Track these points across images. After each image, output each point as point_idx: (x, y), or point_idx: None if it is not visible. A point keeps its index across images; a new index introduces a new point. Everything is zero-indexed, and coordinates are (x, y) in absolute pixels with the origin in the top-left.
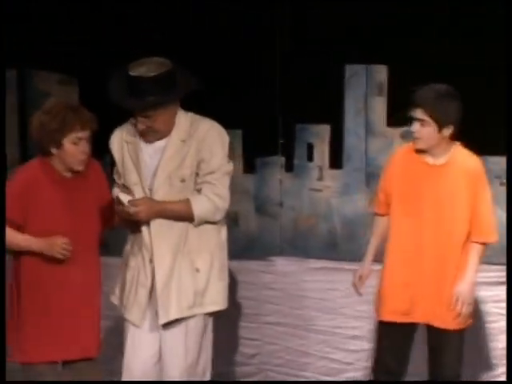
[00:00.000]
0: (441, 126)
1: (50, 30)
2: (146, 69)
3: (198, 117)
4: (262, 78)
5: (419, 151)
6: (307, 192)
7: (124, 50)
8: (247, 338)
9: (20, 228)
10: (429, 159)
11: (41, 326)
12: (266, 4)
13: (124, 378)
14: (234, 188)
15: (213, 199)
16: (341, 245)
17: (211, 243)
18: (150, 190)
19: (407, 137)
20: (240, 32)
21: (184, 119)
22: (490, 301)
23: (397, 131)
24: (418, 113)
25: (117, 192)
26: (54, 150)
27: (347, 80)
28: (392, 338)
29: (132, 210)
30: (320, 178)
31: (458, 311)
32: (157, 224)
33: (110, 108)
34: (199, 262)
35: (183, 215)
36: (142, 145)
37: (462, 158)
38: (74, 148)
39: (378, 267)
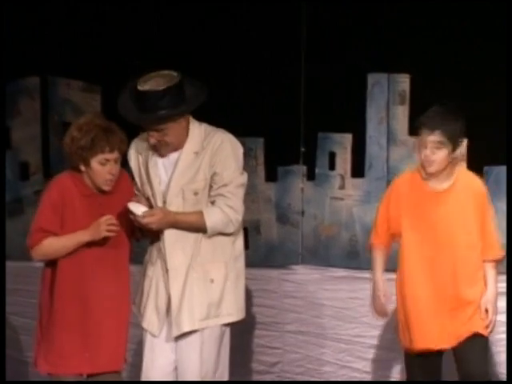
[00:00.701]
0: (455, 146)
1: (73, 37)
2: (154, 83)
3: (211, 128)
4: (285, 86)
5: (424, 177)
6: (329, 200)
7: (146, 56)
8: (268, 346)
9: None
10: (434, 185)
11: (70, 338)
12: (290, 15)
13: None
14: (255, 196)
15: (226, 211)
16: (362, 253)
17: (226, 254)
18: (164, 202)
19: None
20: (264, 40)
21: (198, 131)
22: None
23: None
24: (436, 136)
25: (130, 203)
26: (82, 167)
27: (369, 89)
28: (426, 368)
29: (145, 220)
30: (342, 187)
31: (487, 320)
32: (171, 234)
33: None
34: (213, 272)
35: (196, 226)
36: (156, 157)
37: (466, 180)
38: (101, 168)
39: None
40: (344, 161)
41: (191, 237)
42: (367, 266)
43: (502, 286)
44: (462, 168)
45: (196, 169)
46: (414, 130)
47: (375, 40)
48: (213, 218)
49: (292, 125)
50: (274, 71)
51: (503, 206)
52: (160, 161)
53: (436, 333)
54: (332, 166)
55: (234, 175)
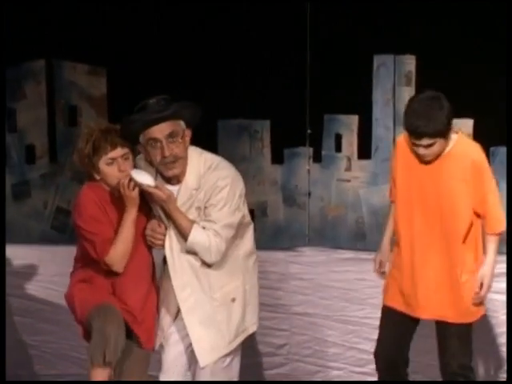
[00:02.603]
0: (447, 135)
1: (78, 20)
2: (149, 99)
3: (210, 161)
4: (291, 68)
5: None
6: (335, 182)
7: (152, 40)
8: (276, 328)
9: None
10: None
11: None
12: None
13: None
14: (261, 178)
15: (211, 242)
16: (369, 235)
17: (239, 264)
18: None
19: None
20: (270, 23)
21: (197, 163)
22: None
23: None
24: (424, 140)
25: (133, 170)
26: (96, 176)
27: (375, 70)
28: (393, 325)
29: (155, 191)
30: (348, 169)
31: (480, 295)
32: (176, 270)
33: (137, 99)
34: (234, 292)
35: (180, 230)
36: (160, 181)
37: (463, 147)
38: (110, 169)
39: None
40: (350, 143)
41: (196, 263)
42: (374, 247)
43: (502, 266)
44: (460, 136)
45: (191, 203)
46: None
47: (381, 21)
48: (198, 237)
49: (298, 107)
50: (280, 53)
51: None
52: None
53: (411, 298)
54: (338, 148)
55: (223, 216)
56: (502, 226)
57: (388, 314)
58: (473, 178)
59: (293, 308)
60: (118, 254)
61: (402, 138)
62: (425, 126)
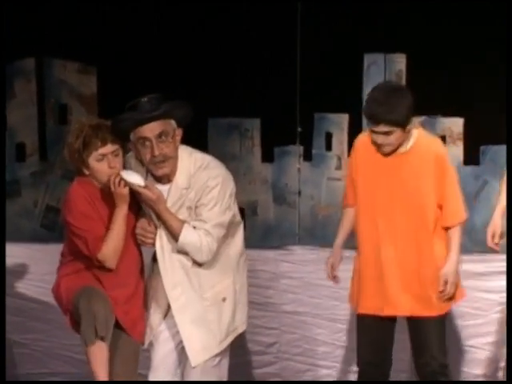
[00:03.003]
0: (404, 127)
1: (69, 18)
2: (141, 98)
3: (201, 161)
4: (281, 67)
5: None
6: (325, 181)
7: (143, 38)
8: (265, 327)
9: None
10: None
11: None
12: None
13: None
14: (252, 177)
15: (202, 241)
16: None
17: (231, 262)
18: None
19: (425, 125)
20: (260, 21)
21: (187, 163)
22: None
23: (415, 120)
24: (380, 127)
25: (122, 171)
26: (85, 171)
27: (366, 69)
28: (368, 332)
29: (144, 191)
30: (338, 167)
31: (445, 292)
32: (167, 268)
33: (128, 98)
34: (224, 291)
35: (170, 231)
36: (151, 180)
37: (425, 142)
38: (100, 165)
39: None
40: (341, 141)
41: (187, 263)
42: None
43: (502, 265)
44: (420, 131)
45: (181, 203)
46: None
47: (371, 20)
48: (189, 237)
49: (288, 105)
50: (270, 51)
51: (497, 185)
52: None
53: (378, 299)
54: (329, 147)
55: (214, 215)
56: (460, 218)
57: (362, 320)
58: (436, 172)
59: (283, 307)
60: (110, 250)
61: (361, 138)
62: (382, 112)
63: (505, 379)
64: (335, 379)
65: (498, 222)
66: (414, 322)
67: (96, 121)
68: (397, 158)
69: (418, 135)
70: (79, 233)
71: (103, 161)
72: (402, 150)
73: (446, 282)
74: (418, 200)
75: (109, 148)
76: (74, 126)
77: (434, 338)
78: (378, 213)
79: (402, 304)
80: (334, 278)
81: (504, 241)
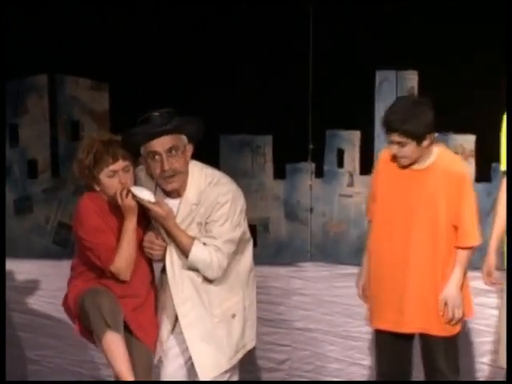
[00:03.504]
0: (419, 141)
1: (81, 35)
2: (153, 112)
3: (211, 177)
4: (293, 83)
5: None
6: (337, 198)
7: (155, 55)
8: (277, 343)
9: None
10: (412, 164)
11: None
12: (298, 13)
13: None
14: (264, 194)
15: (212, 258)
16: None
17: (240, 279)
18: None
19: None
20: (272, 38)
21: (197, 179)
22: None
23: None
24: (394, 136)
25: (133, 187)
26: (96, 187)
27: (378, 86)
28: (385, 347)
29: (154, 208)
30: (350, 184)
31: (447, 316)
32: (177, 284)
33: (140, 114)
34: (234, 308)
35: (181, 248)
36: (160, 195)
37: (445, 161)
38: (111, 181)
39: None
40: (352, 158)
41: (197, 279)
42: None
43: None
44: (442, 148)
45: (192, 219)
46: None
47: (383, 37)
48: (199, 253)
49: (300, 122)
50: (282, 69)
51: None
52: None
53: (396, 314)
54: (340, 163)
55: (224, 231)
56: (472, 241)
57: (380, 336)
58: (454, 192)
59: (294, 323)
60: (123, 261)
61: (384, 153)
62: (396, 120)
63: (505, 379)
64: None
65: (492, 260)
66: (424, 340)
67: (107, 136)
68: (416, 174)
69: (440, 153)
70: (92, 246)
71: (114, 177)
72: (421, 166)
73: (445, 305)
74: (434, 219)
75: (120, 164)
76: (85, 142)
77: (444, 356)
78: (395, 229)
79: (415, 321)
80: (367, 298)
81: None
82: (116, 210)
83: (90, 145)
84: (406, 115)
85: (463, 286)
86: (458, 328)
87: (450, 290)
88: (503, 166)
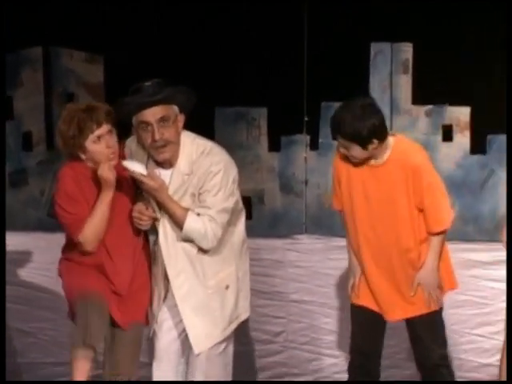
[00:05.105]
0: (363, 145)
1: (76, 7)
2: (144, 82)
3: (203, 147)
4: (288, 56)
5: None
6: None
7: (150, 27)
8: (272, 315)
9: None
10: (371, 160)
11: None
12: None
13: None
14: (259, 166)
15: (207, 228)
16: None
17: (234, 250)
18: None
19: (432, 114)
20: (266, 10)
21: (189, 149)
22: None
23: (422, 109)
24: (339, 138)
25: (124, 161)
26: (82, 155)
27: (372, 58)
28: (360, 322)
29: (146, 180)
30: None
31: (421, 297)
32: (171, 256)
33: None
34: (227, 279)
35: (175, 219)
36: (152, 165)
37: (401, 153)
38: (98, 146)
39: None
40: None
41: (191, 251)
42: None
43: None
44: (398, 140)
45: (185, 189)
46: (417, 100)
47: (378, 9)
48: (193, 224)
49: (295, 94)
50: (277, 41)
51: (504, 175)
52: (156, 171)
53: (385, 307)
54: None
55: (218, 201)
56: (441, 227)
57: (354, 310)
58: (413, 183)
59: (290, 295)
60: (90, 233)
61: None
62: (340, 124)
63: (505, 379)
64: (342, 368)
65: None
66: (409, 322)
67: (85, 104)
68: (373, 170)
69: (395, 145)
70: (63, 214)
71: (100, 142)
72: (379, 161)
73: (418, 285)
74: (394, 210)
75: (104, 128)
76: (64, 113)
77: (429, 331)
78: (357, 222)
79: (394, 311)
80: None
81: None
82: (97, 181)
83: (71, 115)
84: (348, 120)
85: (442, 261)
86: (438, 304)
87: (424, 271)
88: None
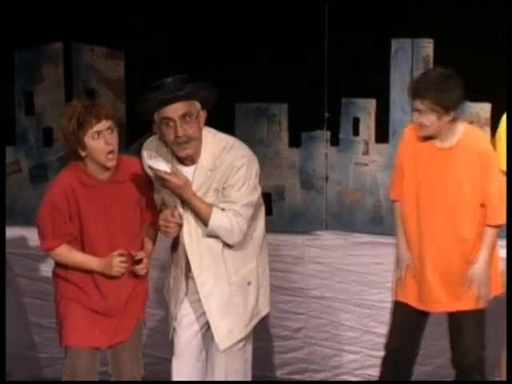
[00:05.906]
0: (441, 114)
1: (97, 2)
2: (166, 78)
3: (225, 142)
4: (309, 52)
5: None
6: (353, 166)
7: (171, 23)
8: (293, 312)
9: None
10: (437, 142)
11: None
12: None
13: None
14: (279, 162)
15: (232, 223)
16: (386, 219)
17: (255, 247)
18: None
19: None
20: (288, 7)
21: (211, 145)
22: None
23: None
24: (417, 104)
25: (149, 160)
26: (81, 152)
27: (393, 54)
28: (402, 319)
29: (171, 178)
30: (366, 152)
31: (473, 293)
32: (194, 254)
33: (155, 82)
34: (249, 275)
35: (200, 216)
36: (176, 164)
37: (471, 139)
38: (96, 143)
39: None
40: (368, 126)
41: (215, 247)
42: (391, 231)
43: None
44: (468, 127)
45: (208, 185)
46: None
47: (399, 5)
48: (218, 220)
49: (316, 90)
50: (298, 37)
51: None
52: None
53: (421, 292)
54: (356, 132)
55: (242, 195)
56: (500, 219)
57: (397, 307)
58: (479, 170)
59: (310, 292)
60: (60, 259)
61: (408, 131)
62: (420, 85)
63: (505, 379)
64: (362, 365)
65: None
66: (452, 317)
67: (89, 101)
68: (441, 154)
69: (466, 131)
70: (40, 222)
71: (99, 138)
72: (446, 145)
73: (471, 282)
74: (458, 197)
75: (104, 124)
76: (67, 109)
77: (470, 329)
78: (420, 208)
79: (441, 301)
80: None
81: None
82: (93, 188)
83: (73, 110)
84: (432, 82)
85: (492, 263)
86: (484, 304)
87: (478, 267)
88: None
